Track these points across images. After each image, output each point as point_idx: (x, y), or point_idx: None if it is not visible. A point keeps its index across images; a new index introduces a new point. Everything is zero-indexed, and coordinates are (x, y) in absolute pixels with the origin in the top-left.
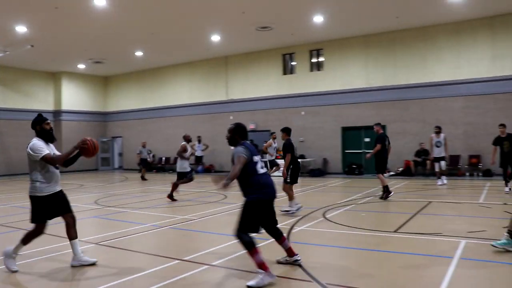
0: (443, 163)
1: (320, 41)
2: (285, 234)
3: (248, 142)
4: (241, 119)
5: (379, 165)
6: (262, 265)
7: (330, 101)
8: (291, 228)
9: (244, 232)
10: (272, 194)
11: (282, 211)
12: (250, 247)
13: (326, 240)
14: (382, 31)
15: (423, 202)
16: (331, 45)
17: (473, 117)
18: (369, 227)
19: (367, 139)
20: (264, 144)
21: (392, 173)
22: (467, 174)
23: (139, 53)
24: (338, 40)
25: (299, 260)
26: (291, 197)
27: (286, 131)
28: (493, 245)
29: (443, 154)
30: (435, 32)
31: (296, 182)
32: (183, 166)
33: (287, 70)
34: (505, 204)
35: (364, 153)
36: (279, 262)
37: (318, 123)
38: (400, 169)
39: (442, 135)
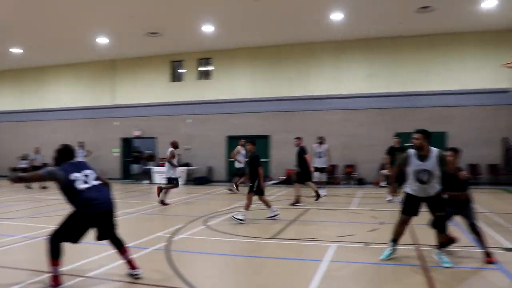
0: (322, 174)
1: (209, 50)
2: (165, 243)
3: (73, 162)
4: (126, 124)
5: (304, 175)
6: (55, 278)
7: (217, 110)
8: (171, 236)
9: (58, 240)
10: (100, 208)
11: (234, 217)
12: (55, 256)
13: (206, 248)
14: (269, 45)
15: (301, 209)
16: (220, 54)
17: (350, 130)
18: (248, 234)
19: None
20: (233, 152)
21: (274, 181)
22: (343, 182)
23: (16, 50)
24: (227, 50)
25: (139, 274)
26: (247, 207)
27: (254, 143)
28: (381, 259)
29: (324, 165)
30: (318, 49)
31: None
32: (171, 171)
33: (175, 77)
34: (372, 210)
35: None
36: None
37: (205, 131)
38: (283, 177)
39: (324, 146)
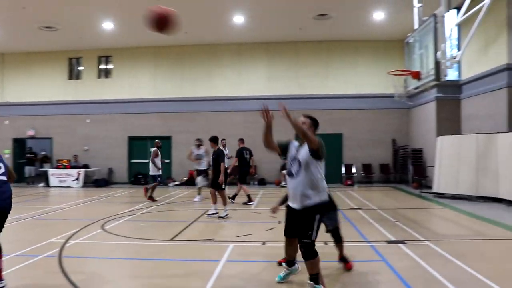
0: (200, 178)
1: (109, 47)
2: (58, 249)
3: None
4: (19, 124)
5: (241, 176)
6: None
7: (117, 110)
8: (66, 242)
9: None
10: None
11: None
12: None
13: (102, 252)
14: (171, 44)
15: (201, 210)
16: (120, 53)
17: (251, 131)
18: (147, 236)
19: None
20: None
21: (176, 182)
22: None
23: None
24: (128, 48)
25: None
26: (215, 201)
27: (214, 140)
28: (278, 282)
29: (204, 168)
30: (220, 51)
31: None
32: (155, 170)
33: (73, 75)
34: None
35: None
36: None
37: (104, 131)
38: (185, 178)
39: (203, 147)
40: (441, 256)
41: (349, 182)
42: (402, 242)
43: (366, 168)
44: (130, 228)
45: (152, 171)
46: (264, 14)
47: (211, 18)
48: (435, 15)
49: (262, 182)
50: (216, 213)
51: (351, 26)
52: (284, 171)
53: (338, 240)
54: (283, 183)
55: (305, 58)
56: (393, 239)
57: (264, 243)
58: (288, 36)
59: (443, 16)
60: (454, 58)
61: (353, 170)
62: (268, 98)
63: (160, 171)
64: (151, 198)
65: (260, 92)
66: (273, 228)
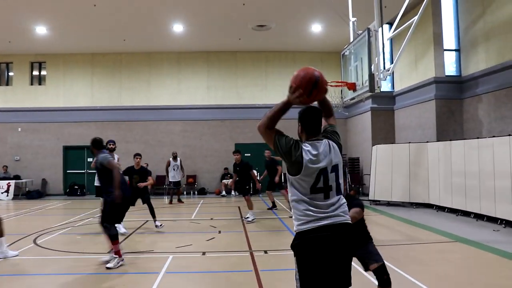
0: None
1: (43, 53)
2: None
3: None
4: None
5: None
6: None
7: (51, 118)
8: None
9: None
10: None
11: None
12: None
13: (35, 269)
14: (108, 51)
15: (140, 221)
16: (55, 59)
17: (191, 140)
18: (82, 250)
19: (90, 159)
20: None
21: None
22: (185, 193)
23: None
24: (62, 54)
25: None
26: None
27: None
28: None
29: (178, 178)
30: (159, 59)
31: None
32: (176, 177)
33: (3, 81)
34: (211, 219)
35: (87, 173)
36: None
37: (37, 141)
38: None
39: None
40: None
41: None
42: None
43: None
44: (64, 241)
45: (174, 178)
46: (203, 23)
47: (149, 26)
48: (368, 29)
49: (202, 192)
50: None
51: (289, 37)
52: (224, 181)
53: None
54: (223, 193)
55: (244, 68)
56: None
57: (204, 253)
58: (227, 46)
59: (376, 31)
60: (387, 71)
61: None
62: (208, 107)
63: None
64: (180, 201)
65: (200, 101)
66: (213, 238)
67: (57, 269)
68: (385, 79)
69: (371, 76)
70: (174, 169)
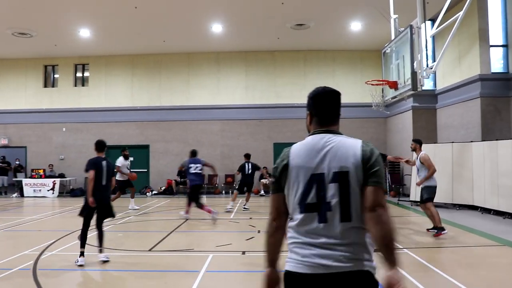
0: None
1: (86, 55)
2: (32, 262)
3: None
4: None
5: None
6: None
7: (93, 119)
8: (40, 254)
9: None
10: None
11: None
12: None
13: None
14: (148, 53)
15: (180, 220)
16: (97, 60)
17: (229, 140)
18: (125, 247)
19: (131, 158)
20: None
21: (154, 192)
22: (223, 192)
23: None
24: (104, 56)
25: None
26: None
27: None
28: None
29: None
30: (198, 59)
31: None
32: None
33: (49, 82)
34: (250, 218)
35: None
36: None
37: (80, 140)
38: (163, 187)
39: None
40: (419, 264)
41: None
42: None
43: None
44: (107, 238)
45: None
46: (242, 23)
47: (189, 27)
48: (411, 26)
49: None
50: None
51: (328, 36)
52: (263, 180)
53: None
54: (261, 192)
55: (282, 67)
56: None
57: (243, 252)
58: (266, 45)
59: (419, 27)
60: (430, 69)
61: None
62: (246, 107)
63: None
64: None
65: (238, 101)
66: (252, 237)
67: (100, 265)
68: (428, 77)
69: (414, 74)
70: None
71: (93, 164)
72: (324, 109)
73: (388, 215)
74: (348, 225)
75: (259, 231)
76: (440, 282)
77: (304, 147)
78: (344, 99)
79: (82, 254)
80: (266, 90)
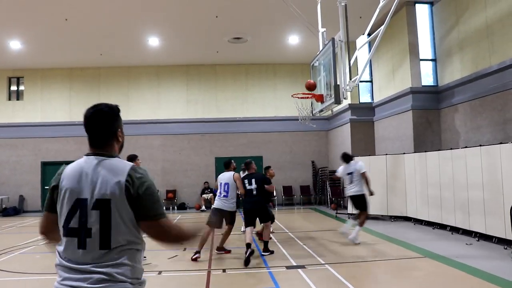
0: None
1: (20, 68)
2: None
3: None
4: None
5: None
6: None
7: (29, 134)
8: None
9: None
10: None
11: None
12: None
13: None
14: (86, 66)
15: None
16: (33, 74)
17: (170, 155)
18: (40, 271)
19: None
20: None
21: None
22: (164, 208)
23: None
24: (40, 69)
25: None
26: None
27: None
28: None
29: None
30: (138, 73)
31: None
32: None
33: None
34: None
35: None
36: None
37: (15, 157)
38: None
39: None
40: (335, 280)
41: (270, 205)
42: (302, 267)
43: (287, 190)
44: (23, 261)
45: None
46: (179, 36)
47: (125, 40)
48: (333, 39)
49: (182, 207)
50: None
51: (267, 50)
52: (204, 195)
53: None
54: (203, 207)
55: (224, 81)
56: (294, 264)
57: (160, 272)
58: (207, 59)
59: (341, 41)
60: (353, 82)
61: (273, 193)
62: (188, 121)
63: None
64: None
65: (179, 115)
66: (176, 256)
67: None
68: (351, 90)
69: (336, 87)
70: None
71: None
72: (93, 131)
73: (176, 236)
74: (107, 253)
75: (185, 249)
76: None
77: (74, 170)
78: (285, 113)
79: None
80: (208, 104)
